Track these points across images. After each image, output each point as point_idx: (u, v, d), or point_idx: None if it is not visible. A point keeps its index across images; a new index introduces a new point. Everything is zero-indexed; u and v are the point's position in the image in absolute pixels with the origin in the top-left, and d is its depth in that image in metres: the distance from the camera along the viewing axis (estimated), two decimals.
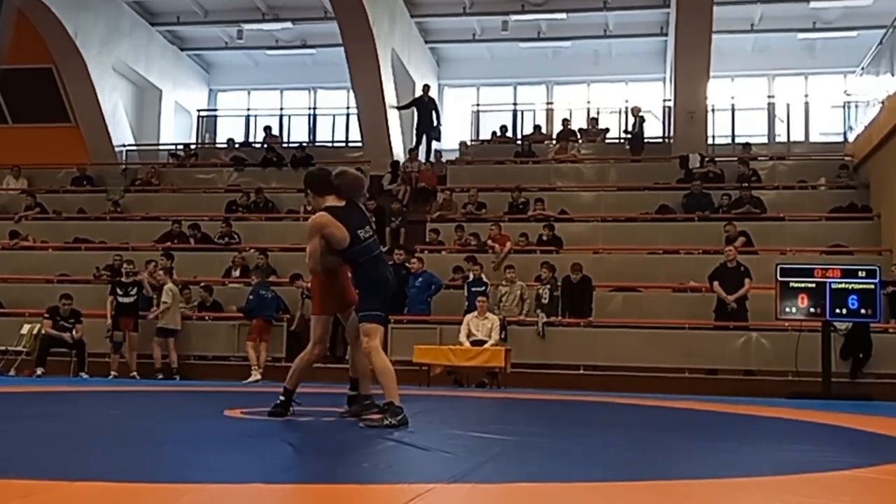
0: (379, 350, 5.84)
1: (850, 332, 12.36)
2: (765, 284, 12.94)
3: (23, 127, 20.77)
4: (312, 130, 23.51)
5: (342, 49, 18.90)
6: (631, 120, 19.62)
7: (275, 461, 4.36)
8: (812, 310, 11.74)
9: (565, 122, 20.55)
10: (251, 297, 13.66)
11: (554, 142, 20.18)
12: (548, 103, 23.09)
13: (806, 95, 21.57)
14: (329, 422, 6.19)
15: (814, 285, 11.75)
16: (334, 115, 23.51)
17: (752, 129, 21.00)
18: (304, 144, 20.78)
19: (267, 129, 21.91)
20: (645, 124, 19.31)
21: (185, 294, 14.76)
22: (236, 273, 15.61)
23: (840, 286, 11.65)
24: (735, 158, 18.15)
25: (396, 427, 5.43)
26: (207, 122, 24.44)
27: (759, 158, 18.45)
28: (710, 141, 19.05)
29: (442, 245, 16.11)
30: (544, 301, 13.64)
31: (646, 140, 19.35)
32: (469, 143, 20.94)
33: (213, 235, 16.90)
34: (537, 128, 21.12)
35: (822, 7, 20.12)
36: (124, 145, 21.33)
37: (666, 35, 21.33)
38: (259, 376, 13.06)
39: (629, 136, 19.28)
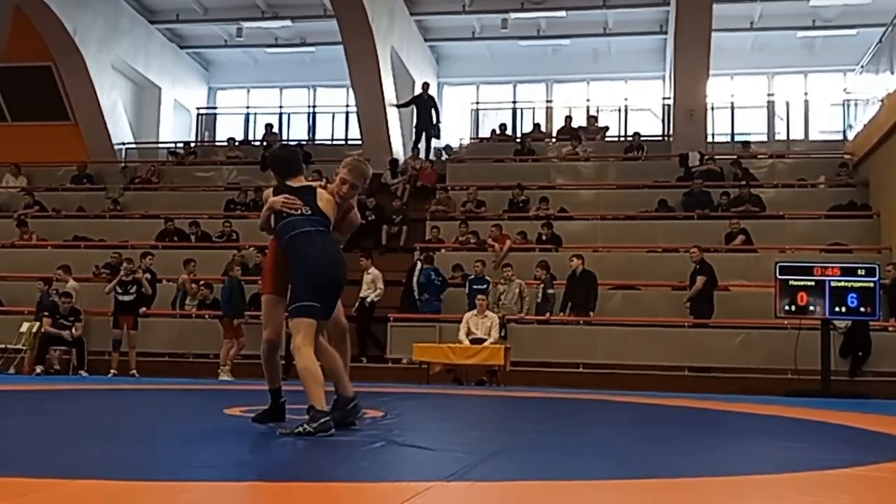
0: (303, 349, 5.08)
1: (850, 331, 12.36)
2: (764, 282, 12.95)
3: (22, 125, 20.75)
4: (312, 128, 23.52)
5: (342, 47, 18.89)
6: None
7: (274, 459, 4.36)
8: (811, 308, 11.74)
9: (568, 119, 20.52)
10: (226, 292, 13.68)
11: (554, 139, 20.17)
12: (547, 101, 23.09)
13: (805, 93, 21.58)
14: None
15: (813, 283, 11.74)
16: (334, 114, 23.53)
17: (752, 128, 21.01)
18: (304, 142, 20.77)
19: (268, 126, 21.91)
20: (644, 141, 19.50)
21: (192, 290, 14.80)
22: (239, 271, 15.57)
23: (839, 284, 11.64)
24: (735, 157, 18.14)
25: (313, 434, 4.86)
26: (207, 120, 24.45)
27: (759, 156, 18.45)
28: (709, 139, 19.06)
29: (442, 243, 16.12)
30: (538, 300, 13.71)
31: (643, 138, 19.48)
32: (459, 144, 20.93)
33: (212, 233, 16.90)
34: (537, 126, 21.10)
35: (821, 5, 20.10)
36: (124, 143, 21.32)
37: (665, 33, 21.32)
38: (227, 377, 13.08)
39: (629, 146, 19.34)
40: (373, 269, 13.95)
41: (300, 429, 4.90)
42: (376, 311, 14.02)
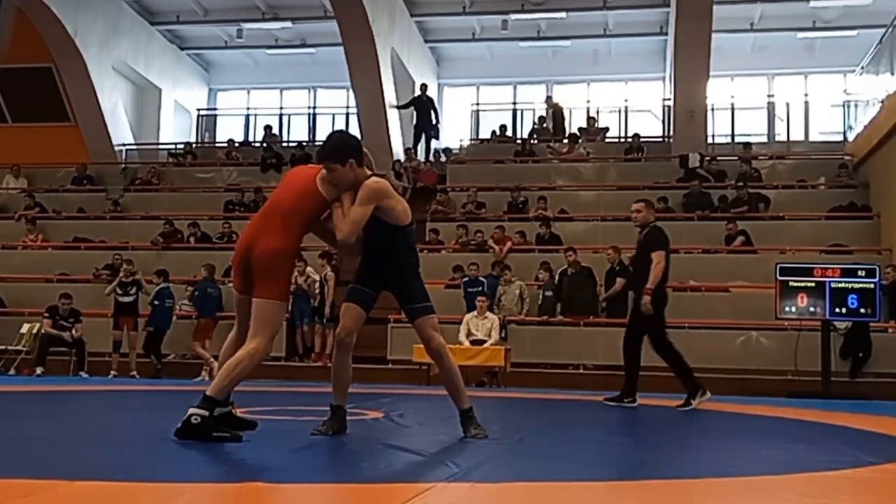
0: (447, 348, 5.25)
1: (850, 332, 12.36)
2: (764, 284, 12.94)
3: (22, 126, 20.75)
4: (312, 130, 23.51)
5: (342, 48, 18.89)
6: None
7: (273, 460, 4.36)
8: (812, 309, 11.74)
9: (549, 99, 20.49)
10: (196, 293, 13.77)
11: (553, 142, 20.16)
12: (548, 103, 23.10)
13: (805, 95, 21.58)
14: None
15: (813, 284, 11.73)
16: (334, 115, 23.53)
17: (752, 129, 21.01)
18: (304, 144, 20.77)
19: (267, 128, 21.92)
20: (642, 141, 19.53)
21: (188, 293, 14.79)
22: None
23: (840, 285, 11.63)
24: (735, 157, 18.15)
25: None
26: (207, 121, 24.46)
27: (759, 158, 18.45)
28: (709, 140, 19.06)
29: (441, 244, 16.12)
30: (538, 303, 13.71)
31: (643, 139, 19.49)
32: (460, 145, 20.99)
33: (212, 235, 16.90)
34: (542, 119, 20.97)
35: (821, 6, 20.12)
36: (124, 144, 21.32)
37: (666, 34, 21.33)
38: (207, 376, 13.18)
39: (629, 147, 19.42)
40: (308, 269, 13.96)
41: (481, 432, 5.10)
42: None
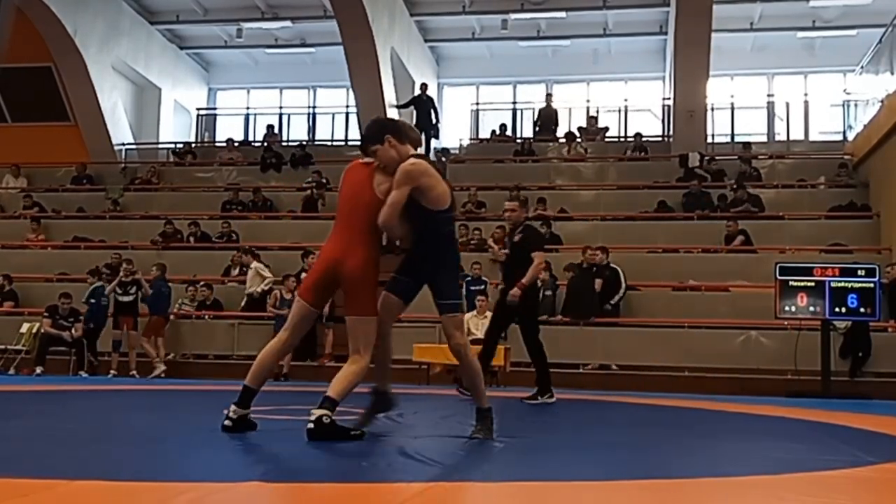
0: (469, 349, 5.21)
1: (850, 331, 12.36)
2: (764, 283, 12.95)
3: (22, 126, 20.77)
4: (312, 129, 23.53)
5: (342, 48, 18.91)
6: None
7: (273, 460, 4.36)
8: (811, 309, 11.74)
9: (549, 97, 20.51)
10: (150, 292, 13.85)
11: (555, 142, 20.17)
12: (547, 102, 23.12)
13: (805, 94, 21.60)
14: None
15: (813, 284, 11.73)
16: (334, 114, 23.55)
17: (752, 128, 21.02)
18: (304, 143, 20.78)
19: (269, 127, 21.93)
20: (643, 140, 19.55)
21: (191, 292, 14.80)
22: (235, 272, 15.61)
23: (839, 285, 11.64)
24: (735, 157, 18.17)
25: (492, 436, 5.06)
26: (207, 120, 24.47)
27: (759, 157, 18.46)
28: (709, 140, 19.07)
29: None
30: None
31: (644, 139, 19.50)
32: (460, 144, 21.01)
33: (212, 234, 16.90)
34: (541, 114, 20.96)
35: (821, 6, 20.14)
36: (124, 144, 21.34)
37: (665, 34, 21.34)
38: (162, 368, 13.47)
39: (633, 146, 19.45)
40: (255, 264, 14.47)
41: (484, 433, 5.05)
42: None
